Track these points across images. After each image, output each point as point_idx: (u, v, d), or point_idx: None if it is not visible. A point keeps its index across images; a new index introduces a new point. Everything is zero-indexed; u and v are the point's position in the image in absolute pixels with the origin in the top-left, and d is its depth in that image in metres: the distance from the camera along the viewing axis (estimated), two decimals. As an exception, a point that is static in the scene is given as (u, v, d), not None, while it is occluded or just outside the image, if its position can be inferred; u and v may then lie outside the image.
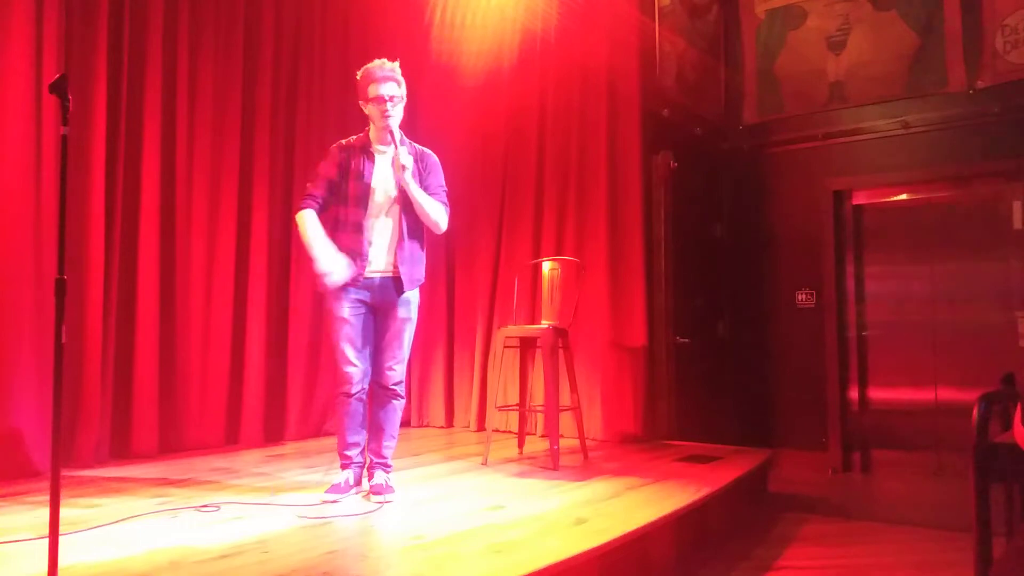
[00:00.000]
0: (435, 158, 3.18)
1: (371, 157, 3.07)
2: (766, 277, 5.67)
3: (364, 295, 3.02)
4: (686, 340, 4.95)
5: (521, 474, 3.63)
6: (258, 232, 4.58)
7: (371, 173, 3.03)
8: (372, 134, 3.11)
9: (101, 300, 3.82)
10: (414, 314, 3.13)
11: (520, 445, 4.28)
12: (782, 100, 5.68)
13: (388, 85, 3.00)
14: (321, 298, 5.03)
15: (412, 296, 3.10)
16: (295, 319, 4.79)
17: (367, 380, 3.07)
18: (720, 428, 5.00)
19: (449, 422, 5.35)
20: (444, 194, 3.16)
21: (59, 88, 1.86)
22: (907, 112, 5.12)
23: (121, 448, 3.96)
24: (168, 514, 2.74)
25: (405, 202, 3.04)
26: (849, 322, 5.34)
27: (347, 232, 3.02)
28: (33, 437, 3.47)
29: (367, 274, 3.01)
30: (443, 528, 2.58)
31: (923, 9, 5.11)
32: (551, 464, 3.73)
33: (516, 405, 4.37)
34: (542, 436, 4.68)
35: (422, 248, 3.16)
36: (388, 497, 3.00)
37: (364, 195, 3.01)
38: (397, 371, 3.10)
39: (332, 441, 4.74)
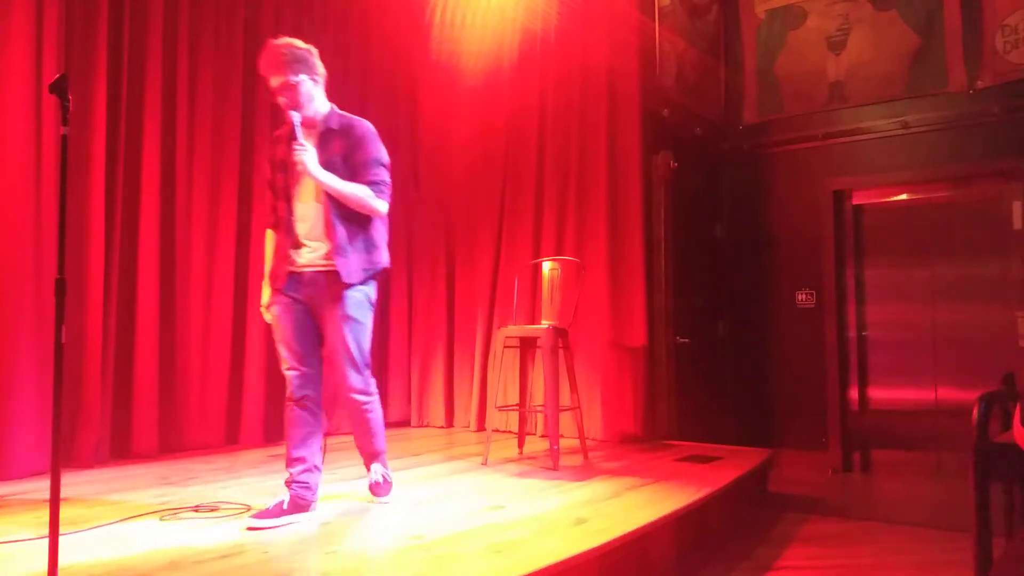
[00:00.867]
0: (365, 128, 2.80)
1: (292, 145, 2.69)
2: (766, 277, 5.67)
3: (293, 292, 2.74)
4: (686, 340, 4.95)
5: (521, 474, 3.63)
6: (257, 232, 4.58)
7: (294, 162, 2.68)
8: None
9: (101, 300, 3.82)
10: (359, 311, 2.73)
11: (520, 445, 4.28)
12: (782, 100, 5.68)
13: (272, 78, 2.70)
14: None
15: (355, 293, 2.72)
16: (295, 319, 4.78)
17: (315, 387, 2.79)
18: (720, 428, 5.01)
19: (449, 422, 5.35)
20: (380, 170, 2.77)
21: (59, 88, 1.85)
22: (907, 112, 5.12)
23: (121, 448, 3.96)
24: (168, 514, 2.74)
25: None
26: (849, 322, 5.34)
27: (279, 229, 2.77)
28: (33, 437, 3.48)
29: (295, 269, 2.73)
30: (443, 528, 2.58)
31: (923, 9, 5.11)
32: (551, 464, 3.73)
33: (516, 405, 4.37)
34: (542, 436, 4.68)
35: (367, 235, 2.77)
36: (384, 499, 2.94)
37: (288, 185, 2.74)
38: (352, 378, 2.75)
39: (334, 441, 4.76)
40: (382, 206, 2.77)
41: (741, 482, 3.68)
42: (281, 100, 2.72)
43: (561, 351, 3.99)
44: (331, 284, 2.69)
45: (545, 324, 4.04)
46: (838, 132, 5.37)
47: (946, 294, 5.02)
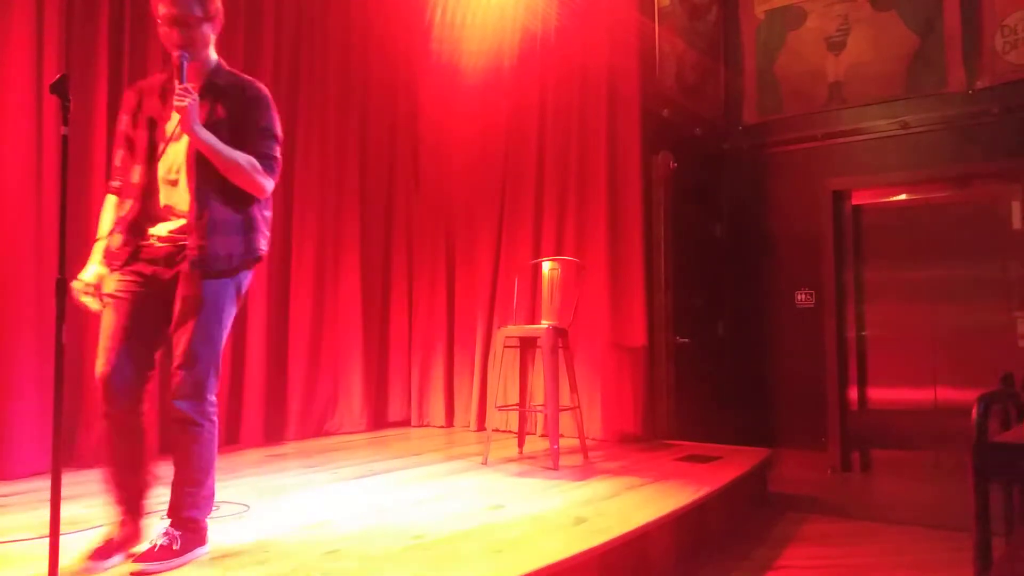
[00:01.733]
0: (259, 91, 2.38)
1: (168, 97, 2.25)
2: (766, 277, 5.67)
3: (136, 274, 2.23)
4: (686, 340, 4.96)
5: (521, 474, 3.63)
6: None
7: (166, 117, 2.26)
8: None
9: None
10: (219, 306, 2.23)
11: (520, 445, 4.28)
12: (782, 100, 5.69)
13: (168, 6, 2.19)
14: (322, 297, 5.08)
15: (219, 282, 2.24)
16: (295, 319, 4.79)
17: (138, 394, 2.20)
18: (719, 428, 5.00)
19: (449, 422, 5.35)
20: (272, 142, 2.36)
21: (59, 88, 1.85)
22: (906, 112, 5.12)
23: (121, 448, 3.95)
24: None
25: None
26: (848, 322, 5.35)
27: (131, 195, 2.26)
28: (34, 437, 3.48)
29: (146, 244, 2.24)
30: (443, 528, 2.58)
31: (922, 9, 5.11)
32: (551, 464, 3.74)
33: (516, 405, 4.37)
34: (542, 436, 4.68)
35: (245, 214, 2.32)
36: (155, 566, 2.05)
37: (154, 143, 2.26)
38: (185, 382, 2.16)
39: (334, 441, 4.77)
40: (268, 184, 2.34)
41: (741, 482, 3.69)
42: (169, 35, 2.21)
43: (561, 351, 3.99)
44: (191, 269, 2.19)
45: (545, 324, 4.04)
46: (838, 132, 5.38)
47: (945, 294, 5.03)
